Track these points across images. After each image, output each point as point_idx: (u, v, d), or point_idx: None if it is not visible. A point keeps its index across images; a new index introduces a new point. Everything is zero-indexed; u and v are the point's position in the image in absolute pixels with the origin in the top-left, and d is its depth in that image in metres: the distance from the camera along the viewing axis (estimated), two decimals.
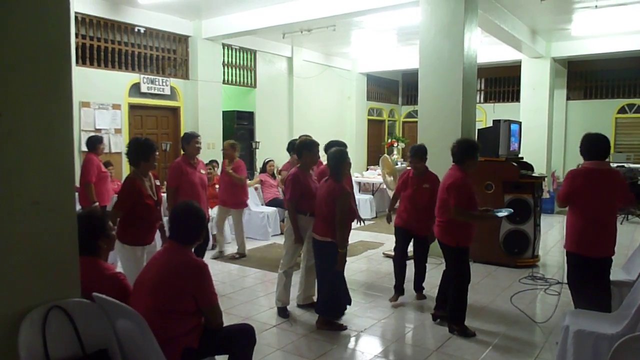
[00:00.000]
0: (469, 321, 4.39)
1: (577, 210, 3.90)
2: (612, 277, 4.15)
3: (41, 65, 2.21)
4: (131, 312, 2.42)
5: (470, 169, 4.30)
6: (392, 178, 7.70)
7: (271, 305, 5.01)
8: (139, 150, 4.13)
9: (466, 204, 4.15)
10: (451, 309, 4.33)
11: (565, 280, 4.19)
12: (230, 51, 10.72)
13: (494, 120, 6.92)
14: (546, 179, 8.77)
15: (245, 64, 11.16)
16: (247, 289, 5.72)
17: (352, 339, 4.29)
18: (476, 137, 7.09)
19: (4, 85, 2.08)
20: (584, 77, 13.24)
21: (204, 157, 9.69)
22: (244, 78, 11.15)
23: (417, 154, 5.20)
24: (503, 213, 4.48)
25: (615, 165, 9.97)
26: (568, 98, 13.31)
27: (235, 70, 10.94)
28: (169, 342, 2.58)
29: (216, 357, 3.00)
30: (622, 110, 12.72)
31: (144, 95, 9.00)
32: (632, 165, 11.17)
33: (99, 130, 8.12)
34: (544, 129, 11.59)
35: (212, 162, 8.38)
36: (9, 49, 2.10)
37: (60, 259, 2.30)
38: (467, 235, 4.28)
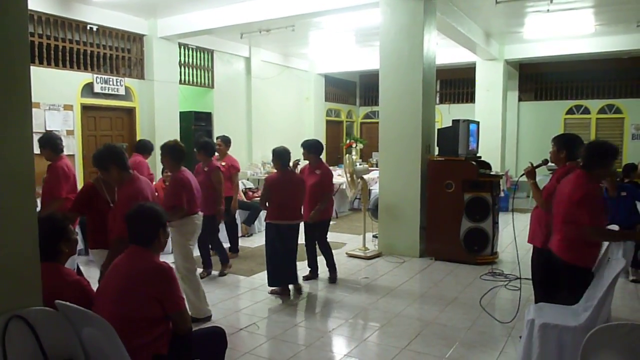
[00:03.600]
0: (436, 317, 4.43)
1: None
2: None
3: None
4: (97, 319, 2.31)
5: (599, 180, 3.62)
6: (351, 178, 7.70)
7: (236, 308, 4.93)
8: (112, 156, 3.86)
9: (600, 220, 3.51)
10: None
11: (525, 276, 4.26)
12: (186, 51, 10.51)
13: (453, 120, 7.03)
14: (502, 177, 9.01)
15: (202, 64, 10.97)
16: (208, 293, 5.58)
17: (321, 340, 4.26)
18: (436, 136, 7.20)
19: None
20: (535, 79, 13.69)
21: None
22: (201, 78, 10.96)
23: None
24: None
25: None
26: (520, 99, 13.74)
27: (192, 70, 10.74)
28: (137, 350, 2.48)
29: None
30: (570, 111, 13.23)
31: (98, 95, 8.70)
32: None
33: (49, 132, 7.77)
34: (498, 130, 11.96)
35: None
36: None
37: (19, 266, 2.18)
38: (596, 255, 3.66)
